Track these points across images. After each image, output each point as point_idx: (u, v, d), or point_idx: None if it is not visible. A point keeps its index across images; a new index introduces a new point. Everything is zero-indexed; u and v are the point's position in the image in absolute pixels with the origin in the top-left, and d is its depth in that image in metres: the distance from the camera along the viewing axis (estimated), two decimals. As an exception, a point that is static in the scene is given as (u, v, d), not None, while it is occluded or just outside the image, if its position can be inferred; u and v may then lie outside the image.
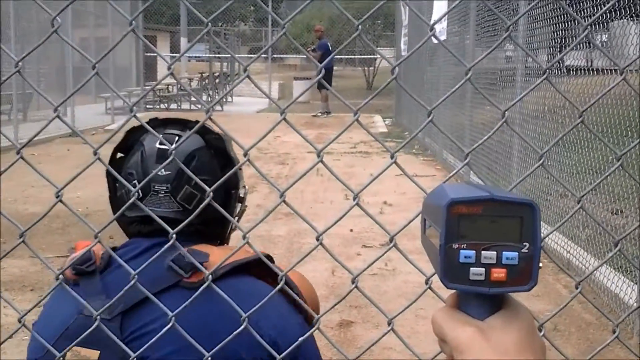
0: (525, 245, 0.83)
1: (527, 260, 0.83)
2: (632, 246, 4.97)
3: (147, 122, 1.68)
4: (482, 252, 0.82)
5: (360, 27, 1.11)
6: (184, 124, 1.77)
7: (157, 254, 1.35)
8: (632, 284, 4.88)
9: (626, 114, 5.26)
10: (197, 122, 1.70)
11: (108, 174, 1.74)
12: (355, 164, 11.82)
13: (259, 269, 1.61)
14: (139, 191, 1.61)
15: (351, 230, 7.17)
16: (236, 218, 1.87)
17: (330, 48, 21.20)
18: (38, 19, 15.55)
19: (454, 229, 0.83)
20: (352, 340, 4.68)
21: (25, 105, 15.64)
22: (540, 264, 0.83)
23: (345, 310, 5.07)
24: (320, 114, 20.84)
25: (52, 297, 1.64)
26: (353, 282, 1.24)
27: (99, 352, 1.49)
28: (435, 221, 0.85)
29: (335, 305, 1.37)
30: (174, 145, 1.51)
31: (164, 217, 1.62)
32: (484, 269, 0.82)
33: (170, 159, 1.26)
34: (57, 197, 1.16)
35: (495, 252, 0.82)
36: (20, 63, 1.13)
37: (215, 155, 1.75)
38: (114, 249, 1.68)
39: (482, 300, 0.84)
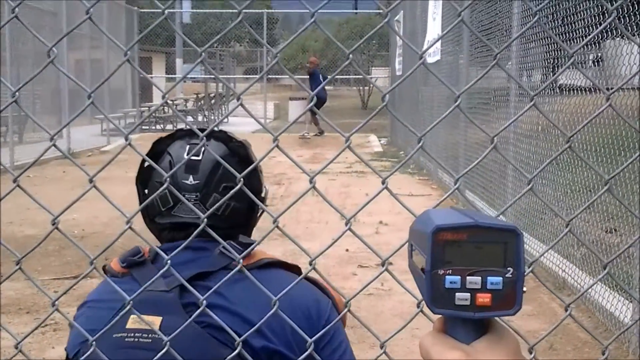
0: (509, 270, 0.84)
1: (511, 285, 0.84)
2: (627, 265, 4.99)
3: (173, 133, 1.84)
4: (467, 277, 0.84)
5: (351, 56, 1.13)
6: (208, 134, 1.83)
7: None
8: (627, 302, 4.89)
9: (619, 133, 5.28)
10: (220, 131, 1.86)
11: (138, 181, 1.86)
12: (351, 184, 11.84)
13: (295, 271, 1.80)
14: (170, 199, 1.75)
15: (347, 250, 7.17)
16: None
17: (321, 78, 20.69)
18: (34, 41, 15.58)
19: (440, 255, 0.84)
20: (349, 361, 4.67)
21: (21, 127, 15.64)
22: (525, 288, 0.85)
23: (341, 330, 5.06)
24: (316, 134, 20.79)
25: (98, 291, 1.79)
26: (346, 306, 1.26)
27: (161, 318, 1.61)
28: (421, 247, 0.87)
29: (328, 327, 1.38)
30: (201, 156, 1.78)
31: (195, 223, 1.72)
32: (469, 294, 0.84)
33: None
34: (53, 224, 1.18)
35: (480, 278, 0.84)
36: (17, 93, 1.15)
37: (240, 162, 1.83)
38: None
39: (468, 325, 0.86)
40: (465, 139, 10.18)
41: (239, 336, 1.57)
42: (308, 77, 21.11)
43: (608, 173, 1.24)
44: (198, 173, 1.76)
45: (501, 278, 0.84)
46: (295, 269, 1.79)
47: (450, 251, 0.84)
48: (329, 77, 1.39)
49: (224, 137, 1.86)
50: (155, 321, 1.59)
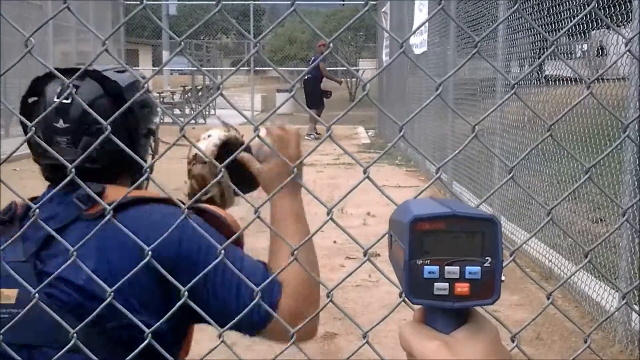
0: (488, 260, 0.84)
1: (489, 275, 0.84)
2: (613, 254, 5.01)
3: (47, 73, 1.79)
4: (446, 267, 0.84)
5: (332, 44, 1.12)
6: (83, 74, 1.82)
7: (54, 190, 1.40)
8: (614, 291, 4.91)
9: (606, 123, 5.29)
10: (94, 71, 1.82)
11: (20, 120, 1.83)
12: (338, 175, 11.84)
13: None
14: (42, 141, 1.68)
15: (335, 242, 7.17)
16: (150, 155, 1.95)
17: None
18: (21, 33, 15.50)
19: (418, 245, 0.84)
20: (336, 352, 4.68)
21: (7, 120, 15.55)
22: (503, 277, 0.85)
23: (329, 322, 5.07)
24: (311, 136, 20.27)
25: None
26: (328, 296, 1.26)
27: (17, 290, 1.58)
28: (400, 237, 0.87)
29: (313, 317, 1.38)
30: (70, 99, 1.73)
31: (64, 167, 1.69)
32: (447, 284, 0.84)
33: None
34: (32, 215, 1.17)
35: (458, 267, 0.84)
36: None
37: (115, 102, 1.78)
38: (34, 198, 1.71)
39: (447, 315, 0.86)
40: (453, 130, 10.19)
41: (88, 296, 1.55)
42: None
43: (599, 162, 1.24)
44: (69, 116, 1.76)
45: (479, 267, 0.84)
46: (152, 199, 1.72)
47: (428, 241, 0.84)
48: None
49: (100, 77, 1.82)
50: (12, 294, 1.58)
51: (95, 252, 1.56)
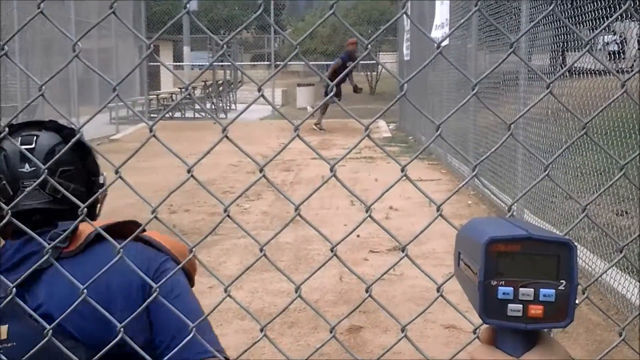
0: (562, 283, 0.86)
1: (563, 298, 0.86)
2: (638, 247, 5.00)
3: (5, 128, 1.82)
4: (520, 289, 0.86)
5: (370, 46, 1.15)
6: (40, 125, 1.91)
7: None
8: (639, 284, 4.91)
9: (629, 115, 5.28)
10: (50, 121, 1.90)
11: None
12: (360, 170, 11.86)
13: (127, 231, 1.73)
14: (9, 190, 1.78)
15: (358, 236, 7.19)
16: (99, 204, 2.05)
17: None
18: (42, 30, 15.62)
19: (493, 266, 0.86)
20: (362, 345, 4.71)
21: (29, 117, 15.66)
22: (577, 301, 0.86)
23: (354, 315, 5.10)
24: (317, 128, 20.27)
25: None
26: (367, 291, 1.28)
27: (7, 325, 1.62)
28: (471, 256, 0.88)
29: (350, 313, 1.41)
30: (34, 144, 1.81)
31: (37, 209, 1.79)
32: (521, 306, 0.86)
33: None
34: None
35: (532, 289, 0.85)
36: (43, 87, 1.18)
37: (74, 148, 1.83)
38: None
39: (518, 336, 0.87)
40: (475, 123, 10.18)
41: (80, 331, 1.64)
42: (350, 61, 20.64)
43: (619, 156, 1.26)
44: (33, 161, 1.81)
45: (554, 290, 0.86)
46: (126, 228, 1.78)
47: (503, 262, 0.86)
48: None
49: (55, 127, 1.91)
50: (3, 330, 1.60)
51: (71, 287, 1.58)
